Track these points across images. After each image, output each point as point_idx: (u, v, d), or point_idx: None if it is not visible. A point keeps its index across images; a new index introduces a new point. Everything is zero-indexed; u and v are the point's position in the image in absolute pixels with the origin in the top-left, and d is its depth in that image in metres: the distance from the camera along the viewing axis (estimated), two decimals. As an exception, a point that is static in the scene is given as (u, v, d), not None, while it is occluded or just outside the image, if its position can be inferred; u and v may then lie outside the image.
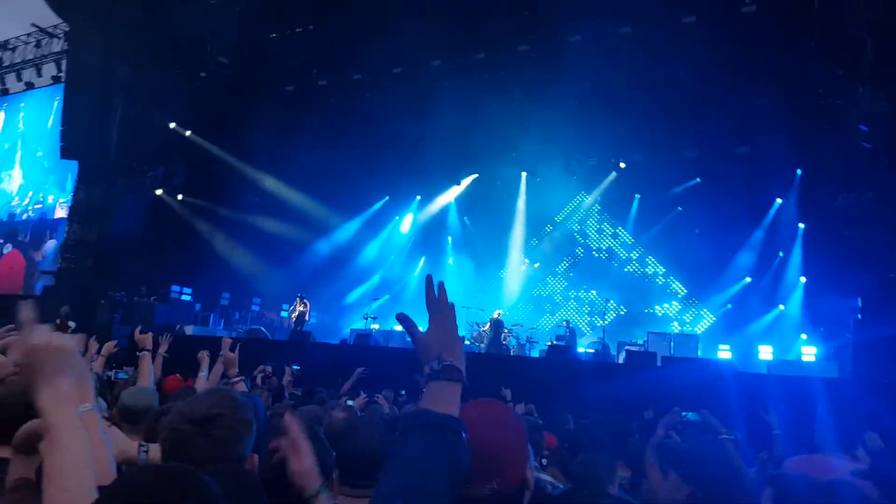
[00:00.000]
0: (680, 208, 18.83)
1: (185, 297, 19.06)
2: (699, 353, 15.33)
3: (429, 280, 1.63)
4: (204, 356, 5.22)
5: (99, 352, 5.86)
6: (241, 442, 2.03)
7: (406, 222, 22.61)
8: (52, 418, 1.47)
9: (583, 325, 20.08)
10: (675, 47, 14.15)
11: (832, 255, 14.94)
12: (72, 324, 10.79)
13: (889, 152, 13.25)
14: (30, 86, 25.36)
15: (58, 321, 10.89)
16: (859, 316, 12.53)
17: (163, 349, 5.81)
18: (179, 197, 19.28)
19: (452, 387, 1.53)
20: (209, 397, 2.11)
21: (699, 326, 18.85)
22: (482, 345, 16.30)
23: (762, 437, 4.99)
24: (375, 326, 17.94)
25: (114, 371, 6.96)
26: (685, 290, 19.44)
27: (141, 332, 5.05)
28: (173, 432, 2.00)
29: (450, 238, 22.27)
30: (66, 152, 19.19)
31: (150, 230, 18.57)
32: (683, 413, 4.91)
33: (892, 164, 13.16)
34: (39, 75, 24.93)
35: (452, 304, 1.64)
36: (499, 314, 16.73)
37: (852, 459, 3.57)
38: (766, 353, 15.53)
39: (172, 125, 18.83)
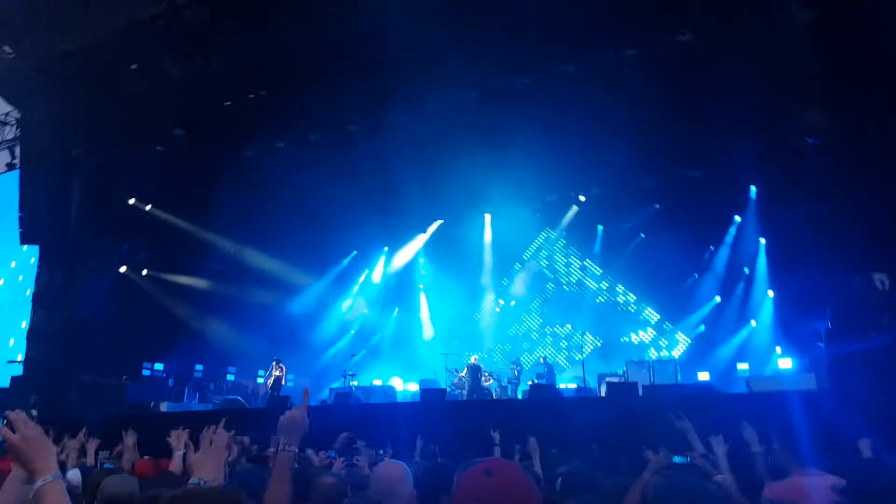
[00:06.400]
0: (643, 235, 19.11)
1: (158, 374, 18.67)
2: (678, 377, 15.42)
3: None
4: (181, 436, 5.12)
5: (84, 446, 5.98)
6: None
7: (377, 273, 22.57)
8: None
9: (561, 361, 20.09)
10: (619, 81, 14.54)
11: (796, 267, 15.26)
12: (34, 412, 10.53)
13: (837, 162, 13.71)
14: (-16, 175, 25.10)
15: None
16: (829, 325, 12.75)
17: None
18: (144, 272, 19.04)
19: None
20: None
21: (675, 350, 18.98)
22: (463, 391, 16.19)
23: (744, 457, 5.02)
24: (355, 383, 17.73)
25: (99, 461, 6.81)
26: (658, 316, 19.60)
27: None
28: None
29: (421, 286, 22.27)
30: (26, 237, 18.92)
31: (116, 309, 18.22)
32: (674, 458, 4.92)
33: (842, 174, 13.61)
34: (-7, 163, 24.69)
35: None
36: (475, 359, 16.68)
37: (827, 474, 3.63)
38: (743, 369, 15.72)
39: (132, 201, 18.69)
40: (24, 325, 19.43)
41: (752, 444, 5.09)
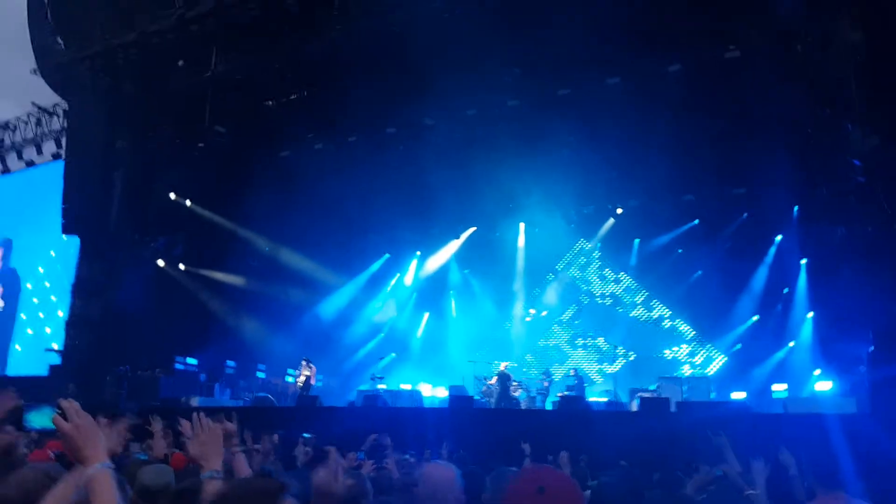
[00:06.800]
0: (680, 250, 18.80)
1: (190, 368, 18.83)
2: (712, 395, 15.13)
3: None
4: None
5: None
6: None
7: (409, 277, 22.57)
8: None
9: (592, 373, 19.85)
10: (663, 95, 14.36)
11: (838, 287, 14.87)
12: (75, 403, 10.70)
13: (884, 185, 13.34)
14: (30, 164, 25.69)
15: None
16: (872, 348, 12.37)
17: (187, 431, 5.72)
18: (181, 267, 19.29)
19: None
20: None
21: (710, 368, 18.63)
22: (492, 400, 16.07)
23: (782, 480, 4.88)
24: (383, 386, 17.73)
25: (131, 452, 6.88)
26: (693, 332, 19.27)
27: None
28: None
29: (452, 292, 22.22)
30: (68, 228, 19.29)
31: (152, 302, 18.44)
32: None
33: (888, 197, 13.23)
34: (40, 153, 25.29)
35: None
36: (505, 367, 16.54)
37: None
38: (780, 391, 15.35)
39: (172, 196, 18.95)
40: (62, 314, 19.82)
41: (790, 467, 4.96)
